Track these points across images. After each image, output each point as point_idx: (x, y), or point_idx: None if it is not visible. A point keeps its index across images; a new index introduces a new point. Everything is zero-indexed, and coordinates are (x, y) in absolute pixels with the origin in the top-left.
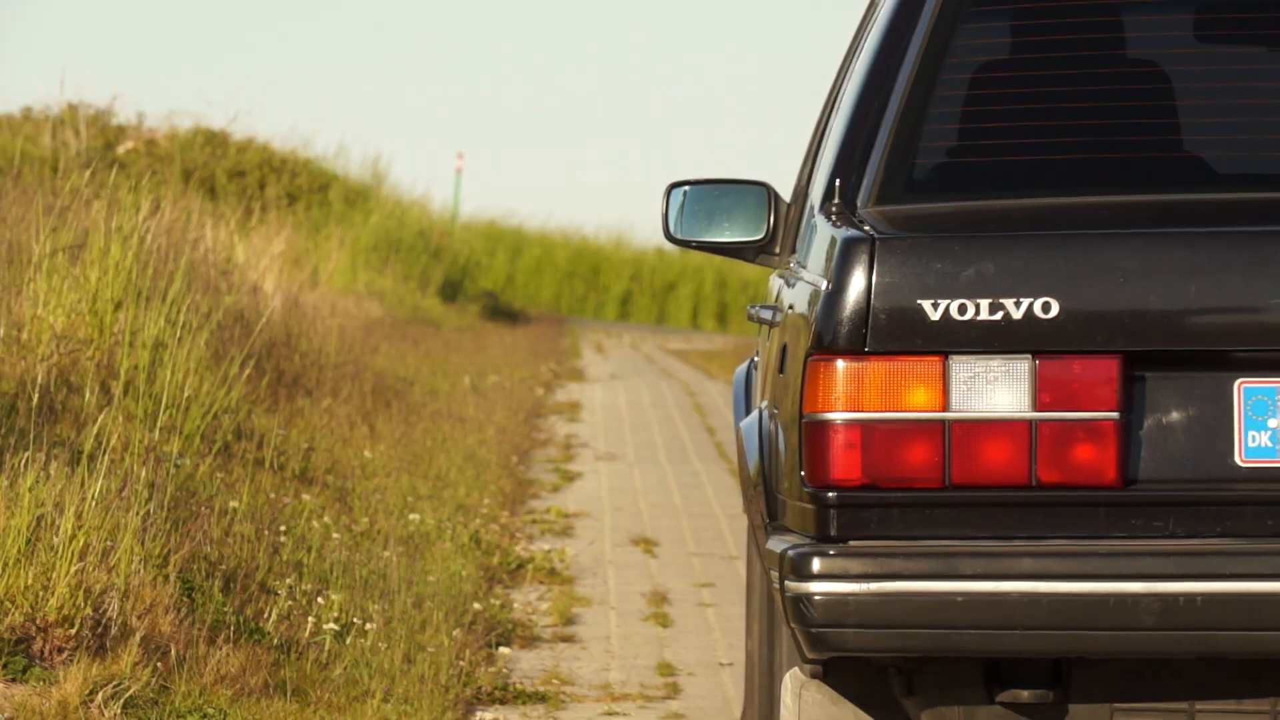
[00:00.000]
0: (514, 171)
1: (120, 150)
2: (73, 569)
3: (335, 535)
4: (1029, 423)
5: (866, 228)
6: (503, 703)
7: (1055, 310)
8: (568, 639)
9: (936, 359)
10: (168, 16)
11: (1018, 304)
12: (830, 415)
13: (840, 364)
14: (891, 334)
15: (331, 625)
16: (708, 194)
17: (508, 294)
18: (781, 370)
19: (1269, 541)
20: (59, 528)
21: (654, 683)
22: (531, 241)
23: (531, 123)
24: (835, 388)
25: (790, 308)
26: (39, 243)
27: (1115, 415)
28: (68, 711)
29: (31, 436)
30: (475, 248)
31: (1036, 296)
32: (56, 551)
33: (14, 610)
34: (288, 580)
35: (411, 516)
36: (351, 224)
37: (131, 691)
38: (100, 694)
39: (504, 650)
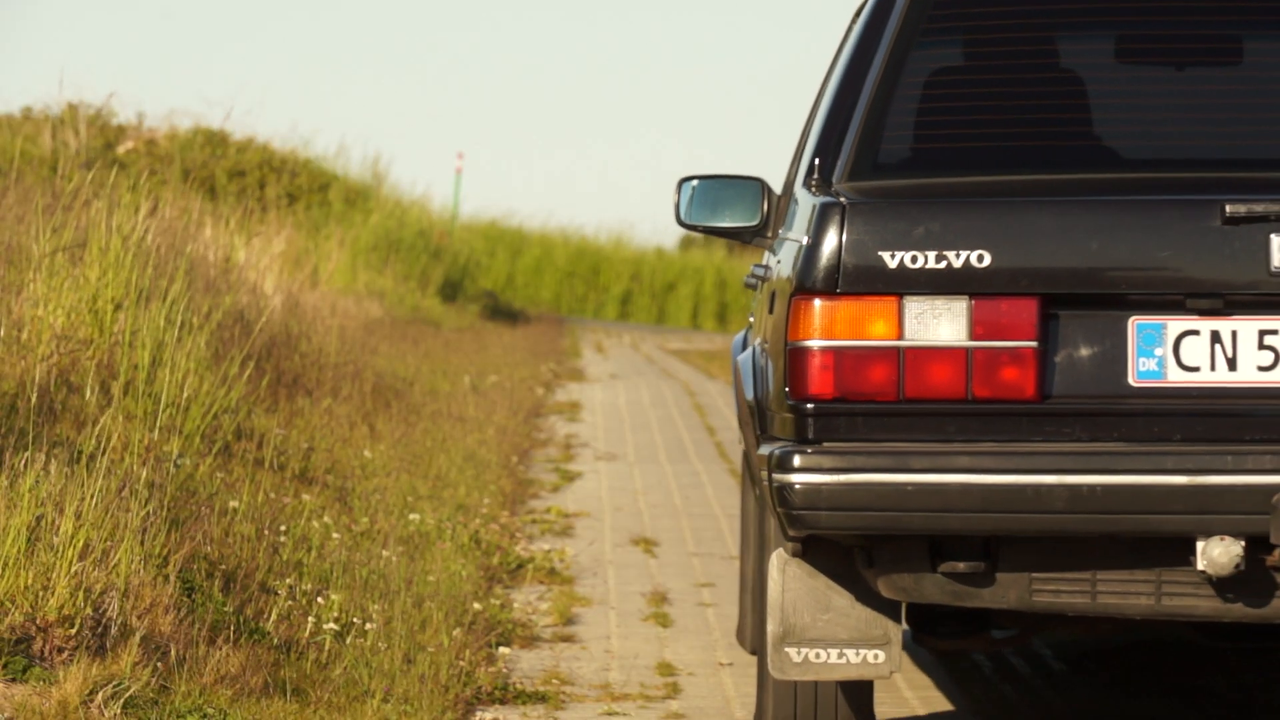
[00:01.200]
0: (514, 171)
1: (120, 150)
2: (73, 569)
3: (335, 535)
4: (966, 350)
5: (840, 196)
6: (503, 703)
7: (987, 261)
8: (568, 639)
9: (893, 299)
10: (168, 16)
11: (958, 255)
12: (809, 343)
13: (818, 302)
14: (858, 279)
15: (331, 625)
16: (712, 187)
17: (508, 294)
18: (771, 311)
19: (1154, 444)
20: (59, 528)
21: (654, 683)
22: (531, 241)
23: (531, 123)
24: (813, 321)
25: (779, 263)
26: (39, 243)
27: (1034, 344)
28: (68, 711)
29: (31, 436)
30: (475, 248)
31: (972, 250)
32: (56, 551)
33: (14, 610)
34: (288, 580)
35: (411, 516)
36: (351, 224)
37: (131, 691)
38: (100, 694)
39: (504, 650)
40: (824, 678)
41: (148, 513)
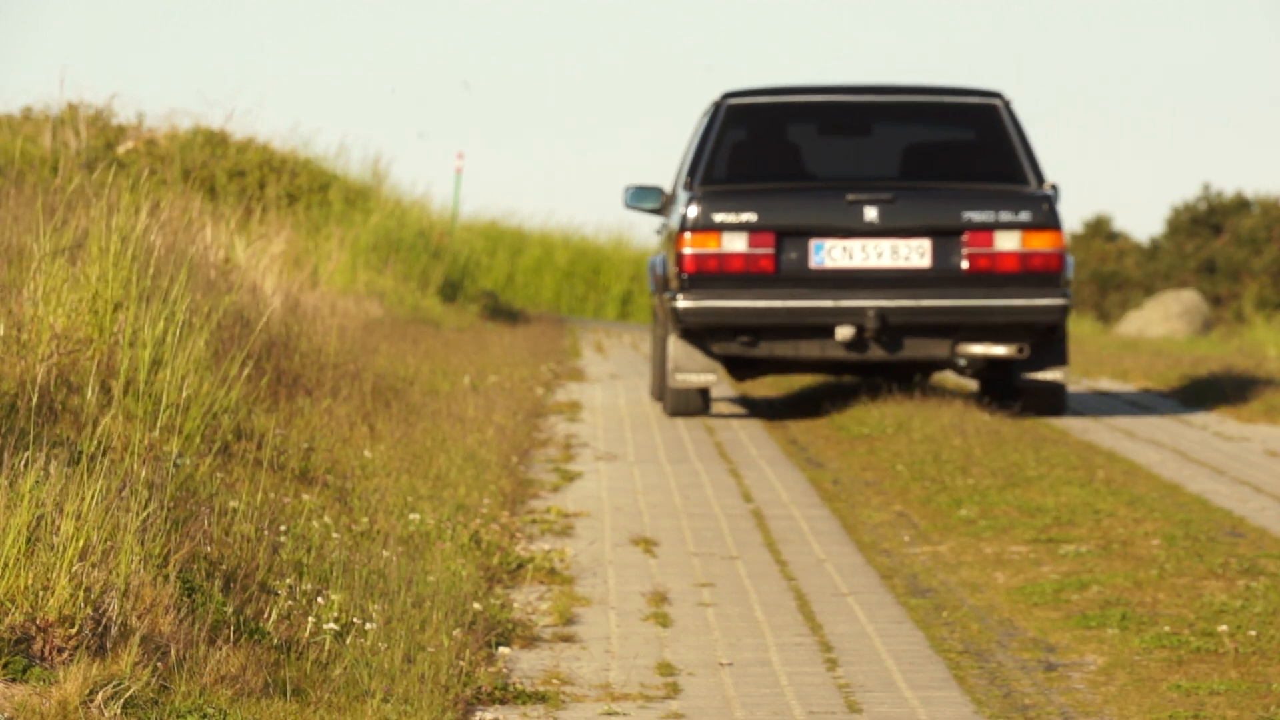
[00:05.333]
0: (514, 171)
1: (120, 150)
2: (73, 569)
3: (335, 535)
4: (745, 254)
5: (696, 191)
6: (503, 703)
7: (755, 218)
8: (568, 639)
9: (716, 233)
10: (168, 16)
11: (743, 215)
12: (684, 250)
13: (688, 234)
14: (703, 225)
15: (331, 625)
16: (639, 189)
17: (508, 294)
18: (670, 240)
19: (820, 289)
20: (59, 528)
21: (654, 683)
22: (531, 241)
23: (531, 123)
24: (686, 241)
25: (672, 222)
26: (39, 243)
27: (773, 251)
28: (68, 711)
29: (31, 436)
30: (475, 248)
31: (749, 212)
32: (56, 551)
33: (14, 610)
34: (288, 580)
35: (411, 516)
36: (351, 224)
37: (131, 691)
38: (100, 694)
39: (504, 650)
40: (690, 386)
41: (148, 513)
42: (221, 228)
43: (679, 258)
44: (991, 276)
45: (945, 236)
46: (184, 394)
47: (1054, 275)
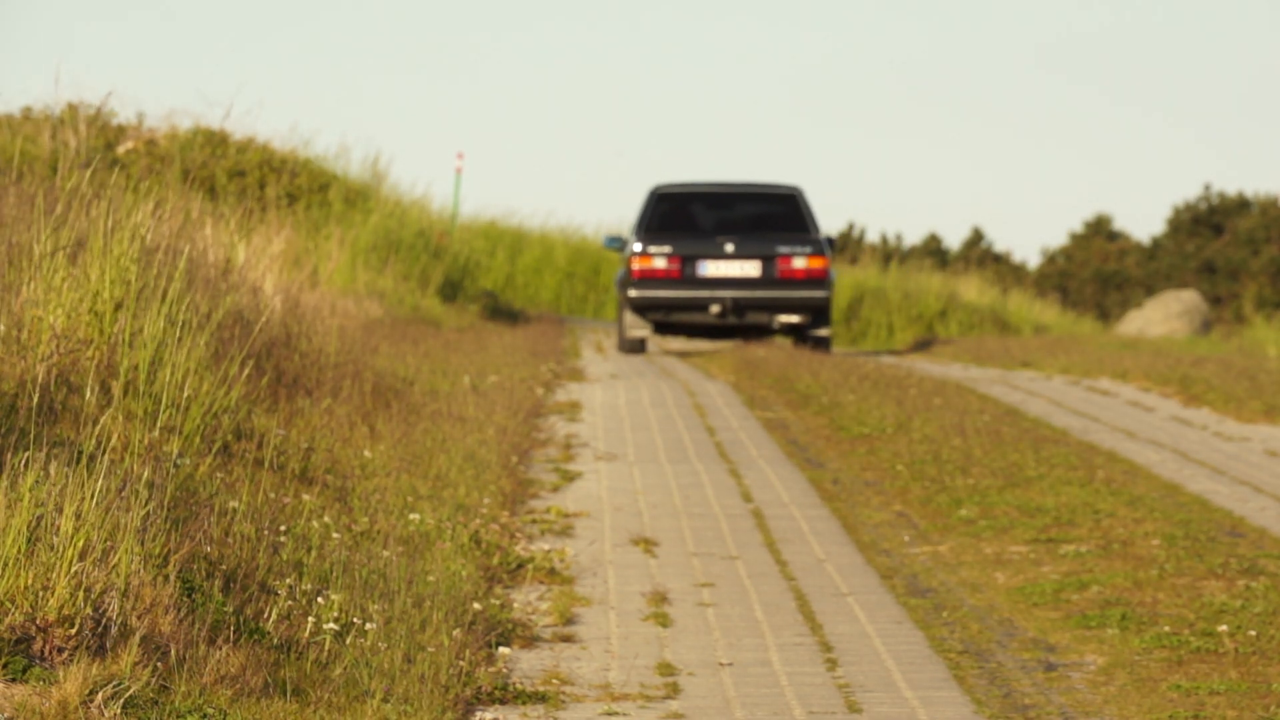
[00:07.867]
0: (514, 171)
1: (120, 150)
2: (73, 569)
3: (335, 535)
4: (665, 268)
5: (641, 235)
6: (503, 703)
7: (670, 249)
8: (568, 639)
9: (651, 257)
10: (168, 16)
11: (664, 247)
12: (634, 265)
13: (636, 257)
14: (644, 253)
15: (331, 625)
16: (612, 237)
17: (508, 294)
18: (626, 261)
19: (704, 286)
20: (59, 528)
21: (654, 683)
22: (531, 241)
23: (531, 123)
24: (635, 261)
25: (628, 252)
26: (39, 243)
27: (679, 266)
28: (68, 711)
29: (32, 436)
30: (475, 248)
31: (667, 246)
32: (56, 551)
33: (14, 610)
34: (288, 580)
35: (411, 516)
36: (351, 224)
37: (131, 691)
38: (100, 694)
39: (504, 650)
40: (635, 337)
41: (148, 513)
42: (221, 228)
43: (630, 269)
44: (791, 280)
45: (767, 259)
46: (184, 394)
47: (823, 280)
